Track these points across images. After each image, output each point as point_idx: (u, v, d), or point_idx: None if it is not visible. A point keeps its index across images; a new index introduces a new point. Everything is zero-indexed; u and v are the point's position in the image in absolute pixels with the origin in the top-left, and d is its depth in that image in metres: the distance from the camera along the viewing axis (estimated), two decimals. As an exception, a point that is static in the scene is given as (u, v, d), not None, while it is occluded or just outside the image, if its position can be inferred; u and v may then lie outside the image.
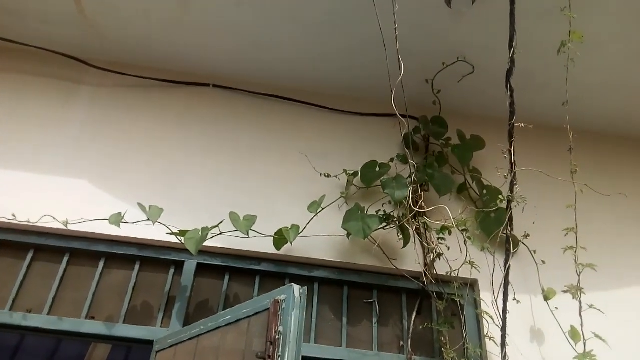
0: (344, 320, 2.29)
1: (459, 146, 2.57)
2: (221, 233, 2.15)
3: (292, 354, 1.48)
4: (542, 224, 2.38)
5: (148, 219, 2.07)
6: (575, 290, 1.83)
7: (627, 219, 2.64)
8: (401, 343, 2.27)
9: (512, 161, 1.82)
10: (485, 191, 2.51)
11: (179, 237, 2.11)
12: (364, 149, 2.65)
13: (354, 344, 2.26)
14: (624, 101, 2.75)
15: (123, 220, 2.07)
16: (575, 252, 1.88)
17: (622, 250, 2.53)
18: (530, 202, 2.34)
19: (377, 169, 2.49)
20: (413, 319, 2.28)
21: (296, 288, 1.59)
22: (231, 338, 1.70)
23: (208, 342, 1.78)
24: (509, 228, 1.90)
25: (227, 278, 2.32)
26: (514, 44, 1.85)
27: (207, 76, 2.79)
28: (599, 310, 1.93)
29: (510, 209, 1.90)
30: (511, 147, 1.82)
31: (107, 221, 2.05)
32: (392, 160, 2.58)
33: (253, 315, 1.66)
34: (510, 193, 1.87)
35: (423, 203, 2.29)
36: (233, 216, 2.14)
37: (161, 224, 2.11)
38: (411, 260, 2.37)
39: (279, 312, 1.56)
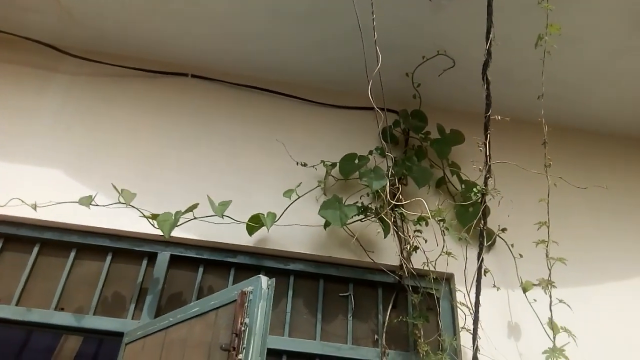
0: (319, 314, 2.28)
1: (438, 140, 2.56)
2: (195, 218, 2.11)
3: (257, 346, 1.46)
4: (521, 217, 2.37)
5: (120, 202, 2.03)
6: (546, 284, 1.83)
7: (603, 212, 2.66)
8: (376, 337, 2.26)
9: (487, 154, 1.80)
10: (463, 185, 2.50)
11: (150, 221, 2.07)
12: (343, 142, 2.63)
13: (328, 337, 2.24)
14: (602, 97, 2.76)
15: (94, 203, 2.02)
16: (547, 246, 1.88)
17: (598, 243, 2.55)
18: (508, 195, 2.35)
19: (356, 161, 2.47)
20: (388, 313, 2.27)
21: (264, 279, 1.57)
22: (198, 330, 1.67)
23: (176, 334, 1.75)
24: (483, 221, 1.88)
25: (201, 270, 2.29)
26: (491, 35, 1.84)
27: (185, 66, 2.75)
28: (567, 305, 1.93)
29: (485, 202, 1.89)
30: (486, 140, 1.81)
31: (77, 203, 2.00)
32: (371, 153, 2.56)
33: (220, 307, 1.64)
34: (485, 186, 1.86)
35: (400, 195, 2.28)
36: (209, 200, 2.11)
37: (133, 207, 2.07)
38: (388, 253, 2.35)
39: (246, 304, 1.53)
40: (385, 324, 2.24)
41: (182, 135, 2.55)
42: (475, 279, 1.94)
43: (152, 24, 2.57)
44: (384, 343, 2.18)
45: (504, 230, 2.38)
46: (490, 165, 1.82)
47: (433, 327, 2.26)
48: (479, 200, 1.90)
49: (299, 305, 2.31)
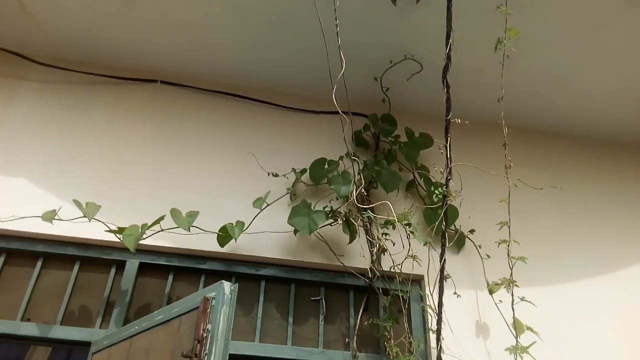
0: (290, 318, 2.28)
1: (406, 144, 2.59)
2: (162, 230, 2.11)
3: (219, 352, 1.46)
4: (488, 219, 2.39)
5: (83, 216, 2.02)
6: (508, 283, 1.86)
7: (566, 213, 2.73)
8: (347, 340, 2.27)
9: (448, 156, 1.83)
10: (432, 188, 2.52)
11: (117, 235, 2.06)
12: (313, 147, 2.64)
13: (300, 342, 2.24)
14: (563, 100, 2.83)
15: (58, 218, 2.01)
16: (508, 246, 1.91)
17: (561, 242, 2.61)
18: (474, 197, 2.40)
19: (326, 166, 2.49)
20: (359, 316, 2.28)
21: (226, 285, 1.57)
22: (162, 337, 1.66)
23: (141, 343, 1.74)
24: (444, 222, 1.91)
25: (171, 278, 2.28)
26: (450, 40, 1.87)
27: (154, 72, 2.74)
28: (531, 302, 1.96)
29: (446, 203, 1.92)
30: (447, 143, 1.84)
31: (40, 218, 1.99)
32: (341, 158, 2.57)
33: (184, 314, 1.63)
34: (446, 188, 1.88)
35: (369, 199, 2.30)
36: (174, 212, 2.11)
37: (99, 221, 2.06)
38: (359, 257, 2.37)
39: (208, 310, 1.53)
40: (357, 327, 2.25)
41: (152, 142, 2.54)
42: (437, 279, 1.96)
43: (120, 31, 2.56)
44: (355, 346, 2.19)
45: (472, 231, 2.42)
46: (451, 168, 1.84)
47: (404, 329, 2.27)
48: (442, 203, 1.92)
49: (271, 311, 2.31)
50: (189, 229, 2.08)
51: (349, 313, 2.35)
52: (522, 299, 1.93)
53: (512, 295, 1.90)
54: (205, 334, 1.48)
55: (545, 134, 3.02)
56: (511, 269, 1.91)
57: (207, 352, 1.45)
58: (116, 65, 2.74)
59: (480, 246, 2.35)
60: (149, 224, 2.06)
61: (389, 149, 2.66)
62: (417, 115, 2.80)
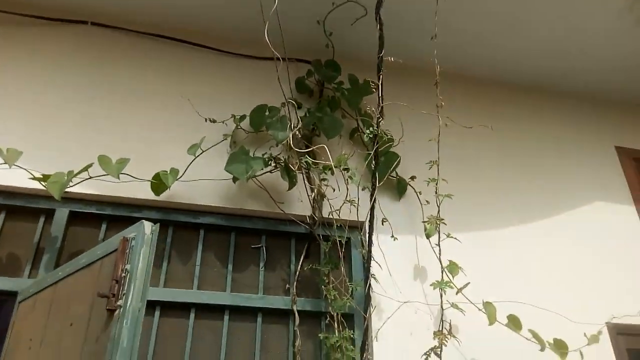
0: (230, 266, 2.26)
1: (350, 90, 2.54)
2: (90, 177, 2.02)
3: (137, 292, 1.42)
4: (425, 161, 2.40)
5: (4, 162, 1.91)
6: (435, 221, 1.88)
7: (504, 160, 2.79)
8: (287, 286, 2.27)
9: (380, 95, 1.80)
10: (385, 140, 2.50)
11: (42, 182, 1.96)
12: (256, 94, 2.55)
13: (239, 289, 2.23)
14: (508, 47, 2.83)
15: (-25, 165, 1.90)
16: (437, 184, 1.92)
17: (498, 188, 2.68)
18: (415, 142, 2.38)
19: (267, 113, 2.42)
20: (300, 263, 2.28)
21: (147, 225, 1.53)
22: (84, 281, 1.62)
23: (64, 288, 1.69)
24: (374, 162, 1.89)
25: (104, 227, 2.21)
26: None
27: (84, 13, 2.57)
28: (456, 239, 2.00)
29: (377, 142, 1.89)
30: (379, 81, 1.80)
31: (-44, 165, 1.87)
32: (283, 104, 2.51)
33: (105, 256, 1.58)
34: (377, 127, 1.86)
35: (308, 144, 2.26)
36: (103, 159, 2.01)
37: (21, 167, 1.95)
38: (301, 204, 2.35)
39: (127, 250, 1.49)
40: (297, 273, 2.25)
41: (81, 87, 2.41)
42: (367, 218, 1.96)
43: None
44: (295, 292, 2.20)
45: (412, 178, 2.42)
46: (382, 107, 1.81)
47: (345, 274, 2.29)
48: (373, 142, 1.90)
49: (210, 259, 2.28)
50: (119, 176, 2.00)
51: (290, 260, 2.35)
52: (449, 235, 1.96)
53: (439, 232, 1.93)
54: (123, 274, 1.44)
55: (487, 82, 3.03)
56: (438, 207, 1.94)
57: (124, 292, 1.41)
58: (44, 4, 2.55)
59: (420, 192, 2.36)
60: (74, 172, 1.97)
61: (332, 96, 2.60)
62: (362, 62, 2.71)
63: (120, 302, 1.41)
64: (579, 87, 3.14)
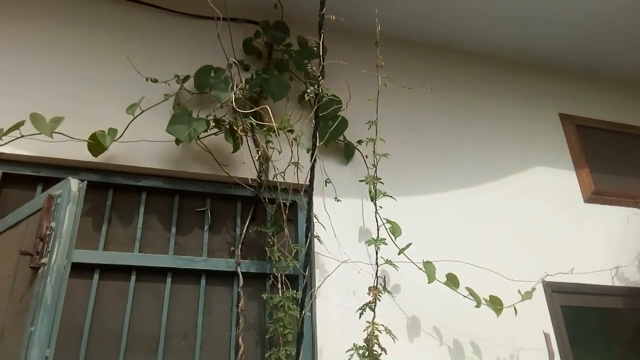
0: (173, 229, 2.23)
1: (298, 52, 2.50)
2: (22, 136, 1.93)
3: (63, 250, 1.39)
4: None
5: None
6: (371, 180, 1.90)
7: (452, 126, 2.83)
8: (232, 248, 2.26)
9: (321, 54, 1.78)
10: (324, 99, 2.48)
11: (-35, 141, 1.87)
12: (202, 54, 2.48)
13: (183, 251, 2.21)
14: (442, 12, 2.83)
15: None
16: (374, 144, 1.93)
17: (446, 154, 2.73)
18: (360, 103, 2.37)
19: (212, 74, 2.36)
20: (246, 226, 2.28)
21: (73, 182, 1.48)
22: (10, 241, 1.57)
23: (-9, 249, 1.63)
24: (315, 121, 1.88)
25: (39, 190, 2.14)
26: None
27: (15, -36, 2.42)
28: (392, 197, 2.03)
29: (319, 102, 1.88)
30: (320, 39, 1.78)
31: None
32: (230, 66, 2.45)
33: (32, 214, 1.53)
34: (318, 86, 1.84)
35: (254, 106, 2.22)
36: (35, 117, 1.92)
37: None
38: (247, 167, 2.32)
39: (52, 208, 1.44)
40: (243, 236, 2.25)
41: (12, 41, 2.27)
42: (307, 178, 1.96)
43: None
44: (240, 254, 2.19)
45: (360, 142, 2.43)
46: (323, 66, 1.79)
47: (291, 236, 2.30)
48: (314, 101, 1.89)
49: (153, 222, 2.24)
50: (52, 135, 1.92)
51: (236, 223, 2.34)
52: (385, 194, 1.99)
53: (375, 191, 1.95)
54: (48, 232, 1.40)
55: (434, 46, 3.06)
56: (375, 166, 1.96)
57: (49, 249, 1.37)
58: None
59: (367, 156, 2.38)
60: (4, 130, 1.88)
61: (280, 58, 2.56)
62: (311, 24, 2.66)
63: (44, 260, 1.37)
64: (525, 54, 3.19)
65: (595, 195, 2.91)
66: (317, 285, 2.11)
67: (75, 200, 1.45)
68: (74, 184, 1.47)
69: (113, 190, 2.23)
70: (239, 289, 2.12)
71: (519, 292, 2.28)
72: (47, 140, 1.94)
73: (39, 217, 1.48)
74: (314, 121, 1.86)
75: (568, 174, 2.95)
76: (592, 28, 2.96)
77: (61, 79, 2.26)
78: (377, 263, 2.03)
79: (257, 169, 2.28)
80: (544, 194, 2.80)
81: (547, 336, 2.28)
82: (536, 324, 2.39)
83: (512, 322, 2.26)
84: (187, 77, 2.34)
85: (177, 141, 2.21)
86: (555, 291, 2.54)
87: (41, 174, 2.13)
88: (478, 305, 2.15)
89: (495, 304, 2.18)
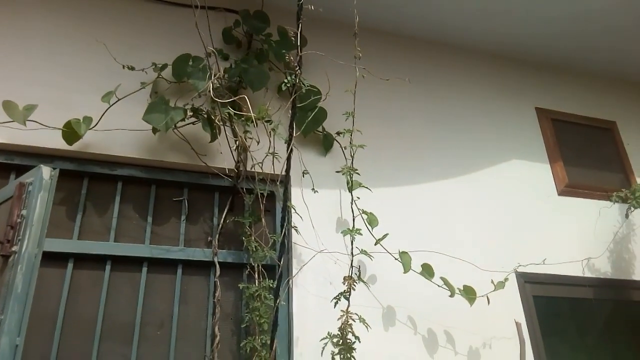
0: (150, 218, 2.22)
1: (277, 42, 2.49)
2: (-5, 123, 1.90)
3: (34, 238, 1.37)
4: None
5: None
6: (348, 170, 1.91)
7: (430, 118, 2.87)
8: (209, 238, 2.26)
9: (299, 44, 1.78)
10: (304, 90, 2.48)
11: None
12: (180, 43, 2.45)
13: (159, 241, 2.21)
14: (422, 4, 2.86)
15: None
16: (351, 135, 1.95)
17: (424, 144, 2.76)
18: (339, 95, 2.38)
19: (191, 62, 2.34)
20: (224, 216, 2.27)
21: (45, 170, 1.46)
22: (-19, 229, 1.54)
23: (-39, 237, 1.60)
24: (292, 111, 1.89)
25: (12, 178, 2.10)
26: None
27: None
28: (367, 187, 2.05)
29: (296, 92, 1.88)
30: (298, 29, 1.77)
31: None
32: (209, 55, 2.43)
33: (3, 202, 1.51)
34: (295, 77, 1.84)
35: (230, 95, 2.22)
36: (7, 104, 1.89)
37: None
38: (225, 157, 2.32)
39: (24, 195, 1.42)
40: (220, 226, 2.24)
41: (-14, 28, 2.23)
42: (284, 168, 1.97)
43: None
44: (217, 244, 2.19)
45: (339, 133, 2.44)
46: (301, 56, 1.79)
47: (269, 227, 2.30)
48: (292, 91, 1.89)
49: (129, 211, 2.23)
50: (25, 123, 1.89)
51: (213, 213, 2.33)
52: (360, 184, 2.00)
53: (351, 180, 1.97)
54: (19, 220, 1.38)
55: (413, 38, 3.08)
56: (352, 157, 1.97)
57: (20, 237, 1.36)
58: None
59: (345, 148, 2.39)
60: (-26, 117, 1.85)
61: (260, 48, 2.55)
62: (292, 14, 2.67)
63: (15, 248, 1.36)
64: (503, 49, 3.23)
65: (569, 188, 2.97)
66: (295, 276, 2.12)
67: (47, 188, 1.43)
68: (46, 172, 1.45)
69: (88, 179, 2.21)
70: (215, 279, 2.12)
71: (492, 282, 2.33)
72: (21, 128, 1.91)
73: (9, 205, 1.46)
74: (290, 111, 1.86)
75: (543, 167, 3.01)
76: (569, 26, 3.01)
77: (36, 66, 2.22)
78: (352, 253, 2.05)
79: (235, 159, 2.27)
80: (518, 187, 2.86)
81: (518, 325, 2.34)
82: (508, 313, 2.44)
83: (485, 312, 2.30)
84: (164, 66, 2.32)
85: (154, 130, 2.20)
86: (528, 281, 2.59)
87: (15, 162, 2.10)
88: (452, 295, 2.20)
89: (469, 293, 2.22)
